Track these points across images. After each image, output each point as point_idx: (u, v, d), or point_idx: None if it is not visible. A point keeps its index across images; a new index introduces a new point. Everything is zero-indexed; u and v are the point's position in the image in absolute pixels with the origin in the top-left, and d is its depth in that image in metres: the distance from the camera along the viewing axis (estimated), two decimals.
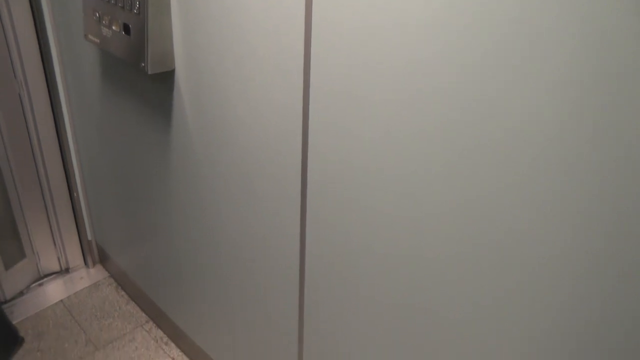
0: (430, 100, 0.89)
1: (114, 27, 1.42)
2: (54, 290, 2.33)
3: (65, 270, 2.43)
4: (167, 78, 1.45)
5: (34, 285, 2.34)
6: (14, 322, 2.14)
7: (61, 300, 2.29)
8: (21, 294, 2.28)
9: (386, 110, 0.96)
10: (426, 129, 0.91)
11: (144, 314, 2.23)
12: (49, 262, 2.37)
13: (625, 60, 0.67)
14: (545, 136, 0.78)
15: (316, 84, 1.05)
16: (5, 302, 2.23)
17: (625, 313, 0.80)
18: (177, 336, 2.05)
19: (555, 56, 0.73)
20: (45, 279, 2.37)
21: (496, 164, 0.85)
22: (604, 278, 0.80)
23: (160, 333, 2.14)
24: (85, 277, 2.42)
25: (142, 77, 1.56)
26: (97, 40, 1.52)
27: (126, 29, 1.37)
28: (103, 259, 2.46)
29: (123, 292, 2.35)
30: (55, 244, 2.34)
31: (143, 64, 1.35)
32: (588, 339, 0.86)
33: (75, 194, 2.26)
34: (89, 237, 2.41)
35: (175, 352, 2.06)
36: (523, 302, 0.92)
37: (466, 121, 0.86)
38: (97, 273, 2.45)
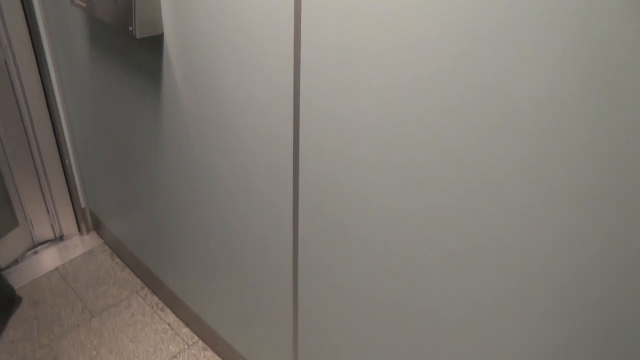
0: (427, 86, 0.87)
1: None
2: (49, 258, 2.34)
3: (59, 238, 2.43)
4: (155, 42, 1.42)
5: (28, 253, 2.34)
6: None
7: (56, 268, 2.29)
8: (16, 262, 2.28)
9: (381, 96, 0.94)
10: (423, 116, 0.90)
11: (139, 281, 2.24)
12: (43, 230, 2.36)
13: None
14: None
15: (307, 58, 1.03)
16: (0, 270, 2.23)
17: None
18: (172, 302, 2.06)
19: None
20: (40, 247, 2.37)
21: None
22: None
23: (155, 299, 2.15)
24: (80, 244, 2.42)
25: (130, 42, 1.53)
26: (84, 5, 1.48)
27: None
28: (97, 226, 2.45)
29: (118, 259, 2.35)
30: (48, 212, 2.34)
31: (131, 28, 1.32)
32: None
33: (66, 161, 2.24)
34: (82, 204, 2.40)
35: (171, 317, 2.07)
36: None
37: (463, 108, 0.84)
38: (91, 240, 2.45)
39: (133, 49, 1.53)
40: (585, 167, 0.75)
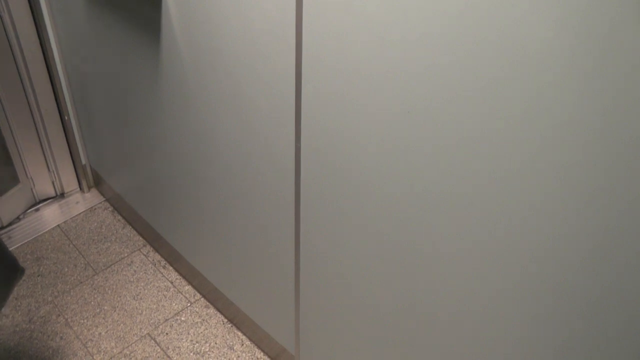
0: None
1: None
2: (51, 215, 2.34)
3: (60, 195, 2.42)
4: None
5: (30, 210, 2.34)
6: (12, 248, 2.16)
7: (58, 225, 2.30)
8: (18, 219, 2.29)
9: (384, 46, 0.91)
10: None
11: (141, 238, 2.25)
12: (44, 187, 2.36)
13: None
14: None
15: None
16: (2, 227, 2.24)
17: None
18: (174, 260, 2.08)
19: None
20: (41, 204, 2.37)
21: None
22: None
23: (157, 257, 2.16)
24: (81, 201, 2.42)
25: None
26: None
27: None
28: (98, 182, 2.45)
29: (119, 216, 2.35)
30: (49, 169, 2.33)
31: None
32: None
33: (66, 118, 2.22)
34: (83, 161, 2.39)
35: (173, 275, 2.09)
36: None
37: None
38: (92, 197, 2.45)
39: (132, 2, 1.49)
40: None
